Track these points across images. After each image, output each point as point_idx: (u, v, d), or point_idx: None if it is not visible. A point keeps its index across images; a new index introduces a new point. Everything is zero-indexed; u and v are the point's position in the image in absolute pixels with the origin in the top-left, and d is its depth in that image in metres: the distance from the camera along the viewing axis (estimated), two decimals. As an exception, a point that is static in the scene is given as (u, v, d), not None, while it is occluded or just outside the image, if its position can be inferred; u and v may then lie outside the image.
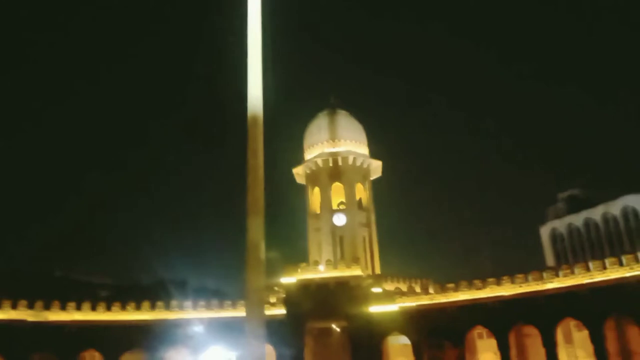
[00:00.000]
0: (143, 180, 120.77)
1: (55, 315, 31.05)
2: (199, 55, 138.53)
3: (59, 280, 51.62)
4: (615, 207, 51.57)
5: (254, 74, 16.09)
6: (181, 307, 33.95)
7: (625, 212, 50.53)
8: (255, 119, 15.54)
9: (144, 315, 33.04)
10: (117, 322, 32.19)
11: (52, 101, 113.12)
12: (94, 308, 32.48)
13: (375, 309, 33.07)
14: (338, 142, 44.53)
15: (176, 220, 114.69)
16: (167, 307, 33.84)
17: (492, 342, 31.17)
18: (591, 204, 54.64)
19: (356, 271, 33.59)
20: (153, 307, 33.63)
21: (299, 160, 46.37)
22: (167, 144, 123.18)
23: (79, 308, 32.06)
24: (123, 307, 33.11)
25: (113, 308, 32.88)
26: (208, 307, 34.30)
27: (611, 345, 28.37)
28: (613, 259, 27.68)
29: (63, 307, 31.65)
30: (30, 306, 30.64)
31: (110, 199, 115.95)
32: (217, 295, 40.54)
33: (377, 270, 41.78)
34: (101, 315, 32.25)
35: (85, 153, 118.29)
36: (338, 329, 36.13)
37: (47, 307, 31.14)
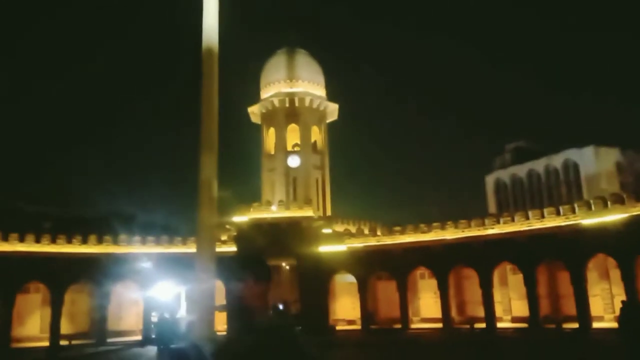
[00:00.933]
0: (94, 112, 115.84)
1: (-3, 246, 30.16)
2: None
3: (2, 211, 49.78)
4: (557, 160, 53.73)
5: (210, 3, 15.33)
6: (129, 242, 33.66)
7: (566, 165, 52.79)
8: (210, 50, 14.98)
9: (90, 248, 32.60)
10: (62, 254, 31.63)
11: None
12: (38, 240, 31.70)
13: (325, 248, 33.95)
14: (295, 82, 43.80)
15: (125, 154, 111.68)
16: (115, 241, 33.47)
17: (433, 282, 32.82)
18: (536, 156, 56.68)
19: (308, 212, 34.10)
20: (100, 240, 33.17)
21: (255, 99, 45.51)
22: (117, 75, 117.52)
23: (22, 239, 31.20)
24: (69, 240, 32.48)
25: (58, 240, 32.20)
26: (157, 242, 34.19)
27: (542, 288, 30.44)
28: (551, 209, 29.20)
29: (5, 238, 30.73)
30: (-30, 236, 29.60)
31: (59, 129, 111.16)
32: (166, 231, 40.27)
33: (329, 212, 42.53)
34: (46, 247, 31.57)
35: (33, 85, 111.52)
36: (288, 267, 37.01)
37: (-12, 237, 30.15)
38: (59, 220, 51.59)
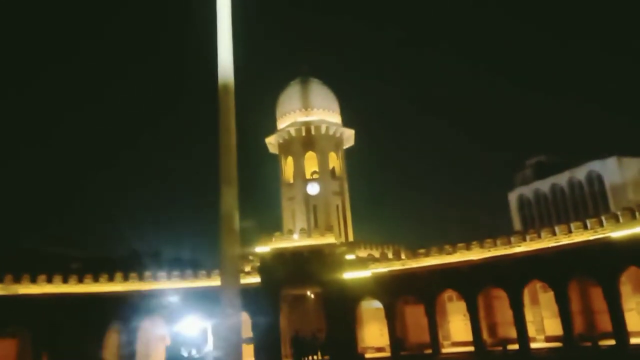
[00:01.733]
0: (114, 152, 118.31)
1: (26, 288, 30.61)
2: (166, 22, 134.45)
3: (29, 253, 50.66)
4: (580, 173, 52.92)
5: (225, 38, 15.70)
6: (155, 278, 33.88)
7: (590, 178, 51.93)
8: (226, 86, 15.27)
9: (117, 286, 32.86)
10: (90, 294, 31.93)
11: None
12: (65, 280, 32.10)
13: (349, 275, 33.64)
14: (311, 110, 44.25)
15: (148, 191, 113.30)
16: (141, 278, 33.72)
17: (462, 305, 32.15)
18: (557, 169, 55.92)
19: (330, 239, 33.97)
20: (126, 278, 33.46)
21: (271, 129, 46.03)
22: (137, 115, 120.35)
23: (49, 280, 31.63)
24: (95, 279, 32.83)
25: (85, 280, 32.57)
26: (182, 277, 34.33)
27: (574, 305, 29.58)
28: (578, 223, 28.59)
29: (33, 280, 31.19)
30: (0, 280, 30.09)
31: (81, 171, 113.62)
32: (191, 265, 40.51)
33: (351, 238, 42.31)
34: (73, 288, 31.92)
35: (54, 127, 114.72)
36: (312, 296, 36.72)
37: (17, 280, 30.64)
38: (86, 261, 52.29)
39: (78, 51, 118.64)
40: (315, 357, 31.17)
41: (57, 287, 31.54)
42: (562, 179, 54.93)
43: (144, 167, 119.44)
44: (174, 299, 32.44)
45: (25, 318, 30.05)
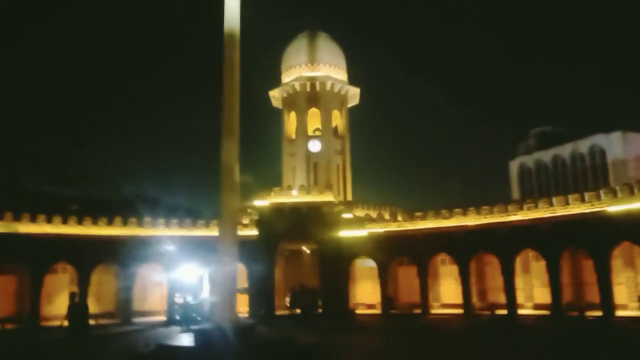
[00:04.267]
0: (116, 97, 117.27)
1: (26, 227, 30.99)
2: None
3: (29, 193, 51.07)
4: (583, 146, 52.70)
5: (233, -12, 15.31)
6: (154, 225, 34.26)
7: (592, 151, 51.75)
8: (232, 35, 15.05)
9: (116, 230, 33.28)
10: (88, 236, 32.38)
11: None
12: (65, 221, 32.47)
13: (345, 233, 34.05)
14: (317, 66, 43.58)
15: (150, 139, 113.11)
16: (140, 223, 34.09)
17: (454, 268, 32.71)
18: (561, 141, 55.66)
19: (328, 197, 34.19)
20: (125, 222, 33.83)
21: (276, 82, 45.47)
22: (140, 61, 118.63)
23: (49, 221, 32.00)
24: (94, 222, 33.21)
25: (84, 222, 32.94)
26: (181, 225, 34.73)
27: (565, 275, 30.09)
28: (576, 195, 28.71)
29: (33, 219, 31.55)
30: (0, 217, 30.43)
31: (82, 114, 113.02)
32: (189, 214, 40.87)
33: (349, 197, 42.53)
34: (72, 229, 32.33)
35: (58, 69, 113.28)
36: (308, 251, 37.29)
37: (17, 218, 30.98)
38: (85, 202, 52.74)
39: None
40: (312, 311, 31.87)
41: (56, 228, 31.91)
42: (564, 150, 54.74)
43: (147, 115, 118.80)
44: (171, 246, 32.92)
45: (24, 256, 30.56)
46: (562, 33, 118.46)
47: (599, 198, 27.28)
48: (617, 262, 28.43)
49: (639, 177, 38.49)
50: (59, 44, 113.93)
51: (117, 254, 32.68)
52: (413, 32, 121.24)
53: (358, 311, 34.18)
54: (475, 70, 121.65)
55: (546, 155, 56.63)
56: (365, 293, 36.54)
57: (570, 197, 28.65)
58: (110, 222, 33.47)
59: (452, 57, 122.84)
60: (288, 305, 33.51)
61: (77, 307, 16.06)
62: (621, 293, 28.40)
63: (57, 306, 33.09)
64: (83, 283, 31.91)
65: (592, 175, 51.00)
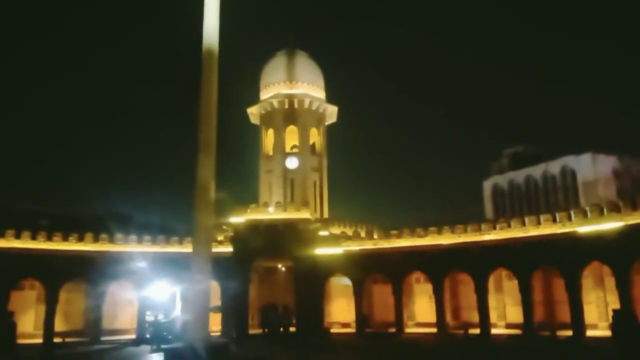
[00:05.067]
0: (91, 113, 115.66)
1: (-7, 243, 30.08)
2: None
3: (-2, 207, 49.64)
4: (554, 166, 53.93)
5: (211, 4, 15.37)
6: (126, 241, 33.60)
7: (563, 171, 52.98)
8: (210, 52, 15.04)
9: (86, 246, 32.53)
10: (58, 252, 31.55)
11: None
12: (34, 237, 31.62)
13: (321, 250, 33.94)
14: (295, 83, 43.85)
15: (124, 155, 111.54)
16: (111, 239, 33.41)
17: (428, 287, 32.82)
18: (533, 161, 56.85)
19: (305, 214, 34.12)
20: (96, 239, 33.10)
21: (254, 99, 45.53)
22: (115, 76, 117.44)
23: (18, 236, 31.12)
24: (65, 238, 32.41)
25: (54, 238, 32.13)
26: (154, 242, 34.13)
27: (537, 294, 30.47)
28: (547, 216, 29.23)
29: (1, 234, 30.65)
30: (-34, 232, 29.50)
31: (56, 128, 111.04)
32: (163, 231, 40.27)
33: (326, 214, 42.53)
34: (42, 245, 31.49)
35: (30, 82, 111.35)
36: (283, 269, 37.01)
37: (-17, 233, 30.07)
38: (55, 219, 51.51)
39: (63, 20, 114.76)
40: (282, 329, 31.54)
41: (24, 243, 31.05)
42: (536, 171, 55.91)
43: (121, 131, 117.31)
44: (143, 263, 32.28)
45: (-10, 272, 29.59)
46: (536, 54, 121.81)
47: (569, 218, 27.85)
48: (587, 282, 28.95)
49: (608, 198, 39.51)
50: (31, 65, 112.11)
51: (87, 271, 31.90)
52: (391, 52, 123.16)
53: (333, 330, 33.94)
54: (452, 90, 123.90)
55: (519, 176, 57.74)
56: (340, 311, 36.36)
57: (542, 217, 29.17)
58: (80, 239, 32.70)
59: (429, 77, 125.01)
60: (259, 324, 33.12)
61: (5, 327, 15.71)
62: (591, 312, 28.85)
63: (22, 323, 32.05)
64: (51, 300, 31.02)
65: (563, 196, 52.13)
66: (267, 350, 23.05)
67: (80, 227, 36.47)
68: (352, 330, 33.90)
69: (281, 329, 31.48)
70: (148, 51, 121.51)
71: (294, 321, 32.44)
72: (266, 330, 31.78)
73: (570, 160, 52.30)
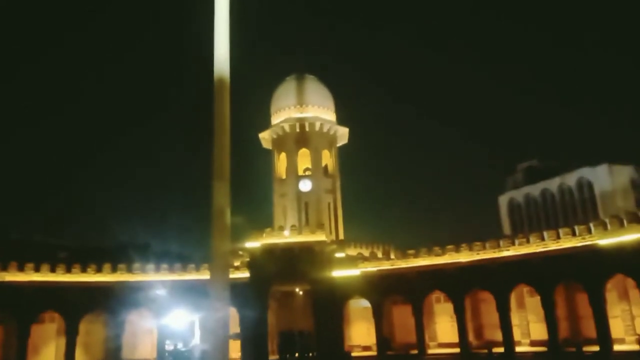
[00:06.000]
0: (105, 143, 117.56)
1: (13, 276, 30.39)
2: (162, 15, 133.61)
3: (16, 242, 50.29)
4: (571, 179, 53.35)
5: (221, 32, 15.65)
6: (144, 270, 33.75)
7: (580, 184, 52.37)
8: (221, 81, 15.25)
9: (105, 277, 32.71)
10: (77, 283, 31.77)
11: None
12: (53, 269, 31.90)
13: (338, 273, 33.70)
14: (305, 107, 44.21)
15: (139, 185, 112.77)
16: (129, 269, 33.58)
17: (449, 306, 32.32)
18: (548, 175, 56.32)
19: (320, 237, 34.00)
20: (114, 269, 33.30)
21: (265, 124, 45.94)
22: (130, 108, 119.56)
23: (37, 269, 31.43)
24: (83, 269, 32.65)
25: (73, 270, 32.39)
26: (171, 270, 34.23)
27: (560, 310, 29.86)
28: (567, 229, 28.81)
29: (21, 268, 30.97)
30: (-14, 267, 29.87)
31: (70, 161, 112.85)
32: (180, 259, 40.40)
33: (341, 236, 42.35)
34: (61, 277, 31.74)
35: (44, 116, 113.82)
36: (301, 293, 36.75)
37: (4, 268, 30.41)
38: (73, 250, 52.00)
39: (73, 41, 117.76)
40: (300, 354, 31.20)
41: (44, 276, 31.34)
42: (552, 184, 55.34)
43: (134, 160, 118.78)
44: (162, 291, 32.35)
45: (11, 305, 29.86)
46: (549, 66, 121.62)
47: (589, 231, 27.41)
48: (611, 295, 28.32)
49: (627, 208, 38.87)
50: (44, 89, 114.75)
51: (106, 302, 32.03)
52: (400, 70, 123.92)
53: (354, 353, 33.47)
54: (464, 107, 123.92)
55: (535, 190, 57.16)
56: (360, 334, 35.88)
57: (561, 231, 28.76)
58: (99, 269, 32.93)
59: (440, 95, 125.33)
60: (279, 349, 32.81)
61: None
62: (617, 326, 28.15)
63: (44, 357, 32.16)
64: (71, 332, 31.12)
65: (581, 208, 51.42)
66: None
67: (98, 257, 36.74)
68: (373, 353, 33.39)
69: (296, 355, 31.13)
70: (157, 75, 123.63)
71: (313, 346, 32.06)
72: (286, 356, 31.47)
73: (586, 172, 51.71)
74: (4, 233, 53.11)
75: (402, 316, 34.60)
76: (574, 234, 28.00)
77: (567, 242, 27.93)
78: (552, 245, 28.42)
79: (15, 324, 30.37)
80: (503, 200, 60.50)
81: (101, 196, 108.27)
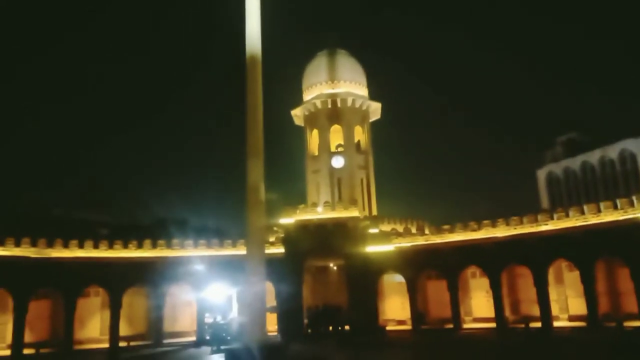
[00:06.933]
0: (144, 120, 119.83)
1: (58, 252, 31.66)
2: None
3: (59, 219, 52.29)
4: (613, 151, 51.65)
5: (252, 11, 15.64)
6: (182, 246, 34.63)
7: (622, 156, 50.66)
8: (253, 59, 15.30)
9: (145, 253, 33.73)
10: (119, 259, 32.89)
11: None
12: (96, 246, 33.08)
13: (372, 248, 33.81)
14: (337, 83, 43.88)
15: (176, 161, 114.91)
16: (169, 245, 34.51)
17: (485, 281, 32.09)
18: (589, 147, 54.66)
19: (353, 213, 34.08)
20: (154, 245, 34.28)
21: (297, 101, 45.88)
22: (167, 86, 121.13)
23: (81, 246, 32.64)
24: (125, 245, 33.74)
25: (115, 246, 33.50)
26: (208, 245, 35.01)
27: (600, 285, 29.24)
28: (608, 203, 27.99)
29: (65, 245, 32.21)
30: (33, 244, 31.16)
31: (110, 138, 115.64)
32: (217, 234, 41.27)
33: (374, 212, 42.34)
34: (103, 253, 32.91)
35: (77, 91, 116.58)
36: (335, 268, 37.10)
37: (49, 244, 31.69)
38: (114, 227, 53.75)
39: (105, 19, 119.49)
40: (332, 328, 31.61)
41: (87, 252, 32.53)
42: (593, 156, 53.70)
43: (171, 136, 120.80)
44: (200, 266, 33.18)
45: (57, 281, 31.18)
46: (588, 41, 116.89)
47: (631, 204, 26.55)
48: (654, 270, 27.52)
49: (673, 182, 37.40)
50: (83, 64, 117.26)
51: (147, 276, 33.08)
52: (434, 45, 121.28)
53: (388, 327, 33.74)
54: (500, 80, 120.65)
55: (574, 163, 55.62)
56: (395, 309, 36.08)
57: (602, 205, 27.95)
58: (139, 245, 33.95)
59: (476, 69, 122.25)
60: (308, 324, 33.28)
61: None
62: (661, 302, 27.41)
63: (89, 329, 33.62)
64: (115, 305, 32.36)
65: (623, 181, 49.81)
66: (323, 349, 23.20)
67: (139, 233, 37.88)
68: (408, 327, 33.59)
69: (330, 328, 31.50)
70: (194, 53, 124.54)
71: (347, 320, 32.42)
72: (309, 331, 32.05)
73: (629, 144, 49.93)
74: (46, 210, 55.26)
75: (436, 291, 34.57)
76: (615, 207, 27.18)
77: (608, 216, 27.16)
78: (593, 219, 27.69)
79: (62, 298, 31.76)
80: (541, 174, 59.16)
81: (139, 173, 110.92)
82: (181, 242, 34.84)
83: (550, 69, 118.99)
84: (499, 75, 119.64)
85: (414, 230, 36.37)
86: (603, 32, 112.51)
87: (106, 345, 31.38)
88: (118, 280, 32.51)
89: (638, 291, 26.04)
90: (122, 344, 31.59)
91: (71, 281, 31.46)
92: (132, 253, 33.51)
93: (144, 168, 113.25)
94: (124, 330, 32.99)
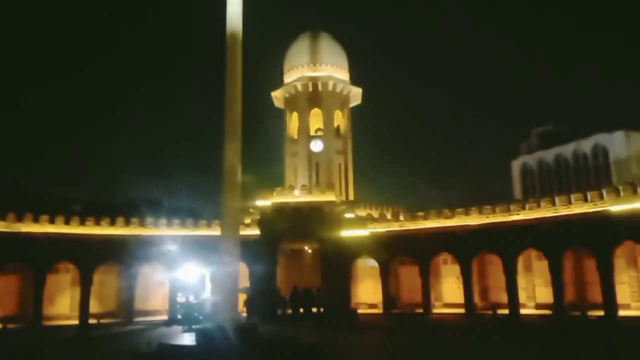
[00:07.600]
0: (117, 98, 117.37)
1: (28, 227, 31.05)
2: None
3: (33, 195, 51.20)
4: (586, 145, 52.61)
5: (235, -12, 15.31)
6: (156, 225, 34.29)
7: (595, 150, 51.65)
8: (234, 37, 15.06)
9: (118, 230, 33.33)
10: (91, 236, 32.42)
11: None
12: (67, 222, 32.52)
13: (347, 233, 34.05)
14: (319, 66, 43.63)
15: (151, 141, 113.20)
16: (142, 223, 34.13)
17: (456, 268, 32.68)
18: (565, 140, 55.56)
19: (330, 197, 34.19)
20: (127, 223, 33.86)
21: (278, 83, 45.52)
22: (142, 62, 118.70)
23: (52, 221, 32.05)
24: (97, 222, 33.25)
25: (87, 222, 33.00)
26: (183, 225, 34.75)
27: (567, 275, 30.05)
28: (578, 195, 28.63)
29: (36, 220, 31.60)
30: (2, 217, 30.48)
31: (84, 116, 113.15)
32: (192, 215, 40.93)
33: (351, 197, 42.55)
34: (75, 229, 32.38)
35: (57, 68, 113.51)
36: (310, 251, 37.30)
37: (19, 219, 31.04)
38: (87, 204, 52.89)
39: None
40: (313, 310, 31.85)
41: (58, 228, 31.97)
42: (567, 149, 54.63)
43: (148, 119, 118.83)
44: (173, 246, 32.95)
45: (27, 256, 30.64)
46: (564, 32, 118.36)
47: (601, 197, 27.21)
48: (619, 262, 28.39)
49: (641, 177, 38.42)
50: (62, 48, 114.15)
51: (120, 254, 32.73)
52: (415, 32, 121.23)
53: (360, 310, 34.18)
54: (478, 70, 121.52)
55: (548, 155, 56.52)
56: (367, 292, 36.55)
57: (573, 197, 28.59)
58: (112, 223, 33.50)
59: (455, 57, 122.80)
60: (282, 305, 33.40)
61: None
62: (624, 292, 28.35)
63: (59, 306, 33.23)
64: (85, 283, 31.99)
65: (595, 175, 50.90)
66: (295, 330, 23.37)
67: (112, 212, 37.33)
68: (379, 311, 34.10)
69: (301, 310, 31.74)
70: (173, 35, 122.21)
71: (320, 302, 32.70)
72: (284, 312, 32.26)
73: (602, 138, 50.91)
74: (18, 185, 54.05)
75: (408, 276, 35.09)
76: (585, 200, 27.82)
77: (578, 208, 27.81)
78: (563, 211, 28.33)
79: (31, 273, 31.24)
80: (516, 165, 59.98)
81: (113, 152, 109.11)
82: (155, 220, 34.48)
83: (536, 58, 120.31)
84: (481, 63, 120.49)
85: (389, 216, 36.71)
86: (595, 24, 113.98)
87: (76, 321, 31.06)
88: (89, 257, 32.07)
89: (603, 282, 26.85)
90: (92, 321, 31.33)
91: (41, 257, 30.92)
92: (104, 230, 33.06)
93: (119, 148, 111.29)
94: (94, 307, 32.68)
